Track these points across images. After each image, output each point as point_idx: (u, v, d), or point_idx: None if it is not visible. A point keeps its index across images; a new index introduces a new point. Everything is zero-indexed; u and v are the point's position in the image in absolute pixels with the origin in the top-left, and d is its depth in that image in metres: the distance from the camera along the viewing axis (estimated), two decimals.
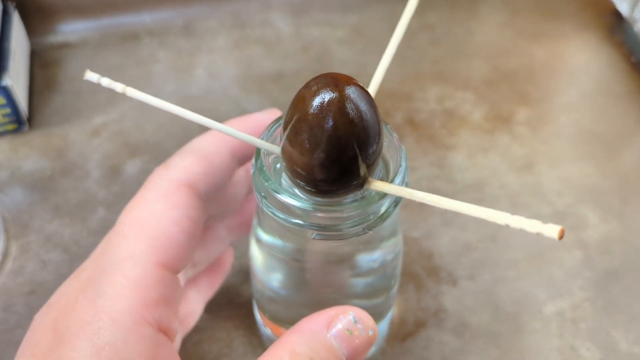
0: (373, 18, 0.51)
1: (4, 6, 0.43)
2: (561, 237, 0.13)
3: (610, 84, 0.46)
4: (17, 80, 0.41)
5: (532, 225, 0.14)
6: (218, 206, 0.27)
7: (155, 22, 0.49)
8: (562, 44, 0.49)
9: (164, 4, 0.50)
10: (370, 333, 0.21)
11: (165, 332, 0.21)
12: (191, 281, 0.29)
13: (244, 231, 0.30)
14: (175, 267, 0.22)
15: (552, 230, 0.13)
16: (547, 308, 0.33)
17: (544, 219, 0.37)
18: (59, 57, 0.47)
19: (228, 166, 0.25)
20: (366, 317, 0.21)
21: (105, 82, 0.19)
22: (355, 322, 0.21)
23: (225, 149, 0.24)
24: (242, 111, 0.43)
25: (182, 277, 0.25)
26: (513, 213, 0.15)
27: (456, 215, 0.37)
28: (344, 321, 0.21)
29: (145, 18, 0.49)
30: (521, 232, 0.36)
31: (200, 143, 0.25)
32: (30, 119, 0.42)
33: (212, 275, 0.30)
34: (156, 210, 0.22)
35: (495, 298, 0.34)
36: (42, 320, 0.21)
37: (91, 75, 0.19)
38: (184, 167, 0.23)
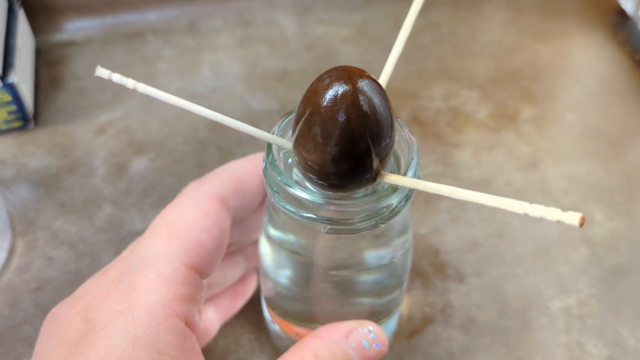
0: (377, 16, 0.51)
1: (10, 4, 0.43)
2: (582, 224, 0.13)
3: (615, 82, 0.46)
4: (22, 77, 0.41)
5: (551, 214, 0.14)
6: (240, 234, 0.28)
7: (160, 20, 0.49)
8: (567, 42, 0.50)
9: (169, 3, 0.50)
10: (383, 348, 0.23)
11: (190, 326, 0.22)
12: (210, 301, 0.30)
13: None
14: (202, 271, 0.23)
15: (572, 218, 0.13)
16: (554, 304, 0.33)
17: None
18: (64, 55, 0.47)
19: (258, 191, 0.26)
20: (382, 333, 0.23)
21: (116, 78, 0.19)
22: (372, 336, 0.23)
23: (258, 174, 0.26)
24: (248, 109, 0.43)
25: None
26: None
27: (463, 211, 0.37)
28: (362, 333, 0.23)
29: (150, 16, 0.50)
30: (527, 229, 0.36)
31: (235, 165, 0.26)
32: (36, 116, 0.42)
33: (232, 298, 0.31)
34: (189, 217, 0.24)
35: (502, 294, 0.34)
36: (68, 312, 0.22)
37: (102, 72, 0.19)
38: (218, 183, 0.25)
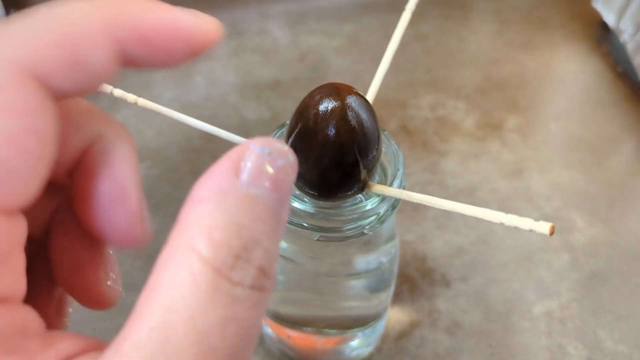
0: (368, 28, 0.52)
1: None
2: (552, 233, 0.14)
3: (598, 93, 0.48)
4: None
5: (524, 223, 0.15)
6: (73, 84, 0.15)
7: None
8: (551, 53, 0.51)
9: None
10: (291, 159, 0.15)
11: None
12: None
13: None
14: (7, 208, 0.14)
15: (543, 227, 0.14)
16: (536, 308, 0.34)
17: None
18: None
19: (106, 60, 0.14)
20: (276, 143, 0.15)
21: (118, 92, 0.20)
22: (268, 153, 0.15)
23: (103, 33, 0.14)
24: (241, 118, 0.44)
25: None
26: (506, 214, 0.16)
27: (449, 219, 0.38)
28: (253, 159, 0.15)
29: None
30: (511, 236, 0.37)
31: (66, 14, 0.14)
32: None
33: None
34: None
35: (486, 299, 0.35)
36: None
37: (104, 87, 0.20)
38: (33, 45, 0.14)
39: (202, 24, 0.16)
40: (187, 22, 0.15)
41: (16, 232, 0.14)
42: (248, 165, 0.15)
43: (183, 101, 0.45)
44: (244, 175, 0.14)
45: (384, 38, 0.52)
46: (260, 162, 0.15)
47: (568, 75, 0.50)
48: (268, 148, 0.15)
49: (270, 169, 0.15)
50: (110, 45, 0.15)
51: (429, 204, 0.19)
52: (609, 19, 0.50)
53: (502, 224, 0.16)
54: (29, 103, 0.14)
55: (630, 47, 0.47)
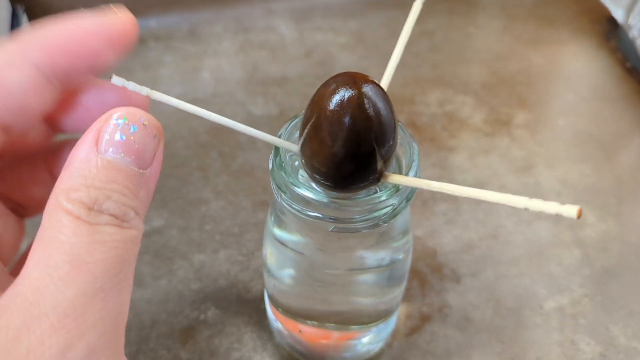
0: (373, 24, 0.52)
1: (13, 10, 0.44)
2: (579, 216, 0.14)
3: (606, 88, 0.48)
4: None
5: (550, 207, 0.15)
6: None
7: (161, 26, 0.50)
8: (559, 49, 0.51)
9: (170, 9, 0.51)
10: (145, 123, 0.18)
11: None
12: None
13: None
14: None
15: (570, 211, 0.14)
16: (548, 304, 0.34)
17: (543, 218, 0.38)
18: None
19: (31, 87, 0.19)
20: (135, 112, 0.18)
21: (131, 85, 0.20)
22: (124, 123, 0.17)
23: (25, 59, 0.18)
24: (248, 114, 0.44)
25: None
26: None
27: (458, 214, 0.38)
28: (108, 129, 0.17)
29: (151, 23, 0.50)
30: (521, 231, 0.37)
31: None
32: None
33: None
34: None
35: (497, 294, 0.34)
36: None
37: (117, 80, 0.20)
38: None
39: (106, 19, 0.19)
40: (90, 21, 0.19)
41: None
42: (105, 135, 0.17)
43: (190, 97, 0.45)
44: (101, 144, 0.17)
45: (390, 34, 0.52)
46: (114, 131, 0.17)
47: (576, 71, 0.49)
48: (124, 117, 0.18)
49: (122, 137, 0.17)
50: (30, 65, 0.18)
51: (448, 192, 0.18)
52: (618, 14, 0.49)
53: (526, 209, 0.16)
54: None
55: (639, 42, 0.47)
